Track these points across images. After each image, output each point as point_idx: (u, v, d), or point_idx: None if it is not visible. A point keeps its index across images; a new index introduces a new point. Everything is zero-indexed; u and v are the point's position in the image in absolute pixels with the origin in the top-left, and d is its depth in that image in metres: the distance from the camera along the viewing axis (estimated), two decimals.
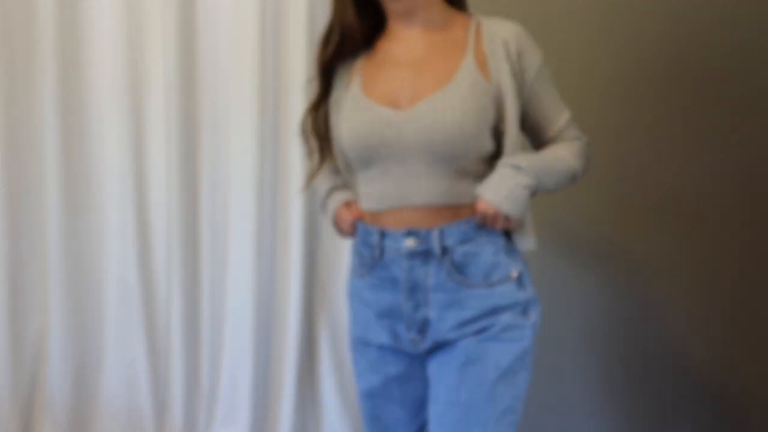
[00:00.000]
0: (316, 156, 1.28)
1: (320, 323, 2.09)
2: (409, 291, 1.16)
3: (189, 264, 2.05)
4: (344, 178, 1.31)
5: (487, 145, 1.15)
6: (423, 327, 1.17)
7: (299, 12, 1.94)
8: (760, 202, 1.74)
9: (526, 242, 1.20)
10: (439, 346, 1.18)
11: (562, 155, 1.20)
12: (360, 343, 1.26)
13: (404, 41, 1.20)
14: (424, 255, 1.14)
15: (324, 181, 1.33)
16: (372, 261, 1.19)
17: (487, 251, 1.16)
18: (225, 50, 2.00)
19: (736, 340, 1.77)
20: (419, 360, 1.22)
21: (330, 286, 2.09)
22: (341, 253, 2.07)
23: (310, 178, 1.32)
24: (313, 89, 1.25)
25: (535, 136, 1.24)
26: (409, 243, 1.14)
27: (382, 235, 1.17)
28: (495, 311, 1.15)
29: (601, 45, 1.80)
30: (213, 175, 2.05)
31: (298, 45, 1.95)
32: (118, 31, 1.97)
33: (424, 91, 1.14)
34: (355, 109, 1.17)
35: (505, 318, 1.15)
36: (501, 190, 1.12)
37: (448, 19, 1.20)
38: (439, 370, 1.17)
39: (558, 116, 1.22)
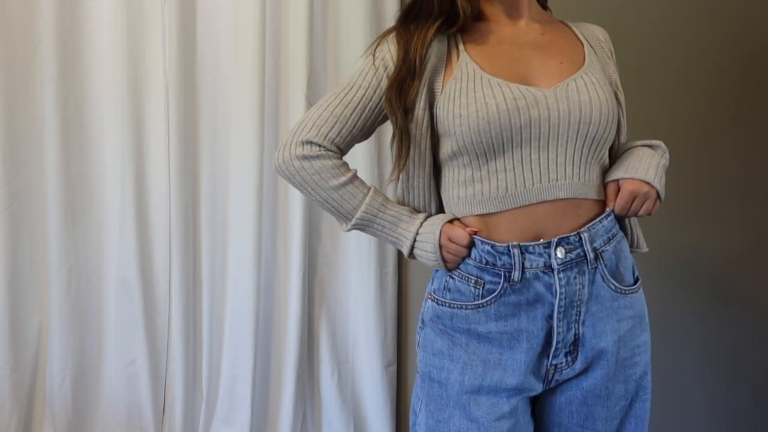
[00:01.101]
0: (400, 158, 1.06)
1: (320, 323, 2.09)
2: (564, 308, 1.00)
3: (189, 264, 2.05)
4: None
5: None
6: (573, 348, 1.02)
7: (299, 12, 1.93)
8: None
9: (642, 241, 1.12)
10: (584, 372, 1.04)
11: None
12: (470, 395, 1.02)
13: (512, 26, 1.09)
14: (577, 263, 1.00)
15: (384, 205, 1.08)
16: (503, 287, 1.01)
17: (625, 247, 1.06)
18: (225, 50, 2.00)
19: None
20: (528, 402, 1.07)
21: (330, 286, 2.09)
22: (341, 253, 2.07)
23: (397, 180, 1.10)
24: (394, 78, 1.04)
25: None
26: (561, 253, 0.99)
27: (522, 250, 0.99)
28: (642, 318, 1.07)
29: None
30: (213, 175, 2.05)
31: (298, 45, 1.94)
32: (118, 30, 1.97)
33: (562, 71, 1.03)
34: (488, 88, 0.99)
35: (647, 331, 1.08)
36: (650, 168, 1.02)
37: (544, 14, 1.16)
38: (589, 416, 1.05)
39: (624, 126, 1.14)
